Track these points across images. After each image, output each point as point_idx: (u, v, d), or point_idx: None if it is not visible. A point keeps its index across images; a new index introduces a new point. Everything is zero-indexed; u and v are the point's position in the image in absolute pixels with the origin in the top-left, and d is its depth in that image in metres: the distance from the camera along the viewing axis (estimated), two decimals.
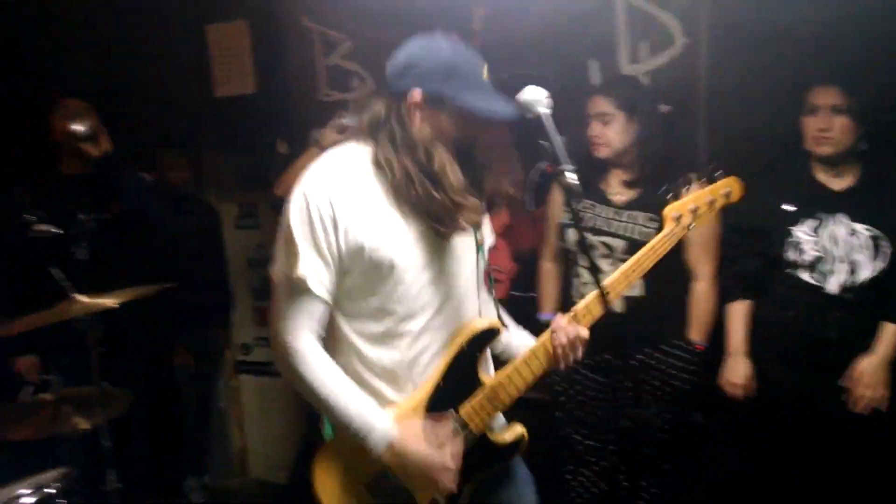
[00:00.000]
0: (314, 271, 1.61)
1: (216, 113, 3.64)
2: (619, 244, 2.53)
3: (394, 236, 1.65)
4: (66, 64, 3.71)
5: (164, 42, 3.60)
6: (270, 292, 1.66)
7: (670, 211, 1.84)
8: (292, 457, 3.87)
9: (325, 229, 1.60)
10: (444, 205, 1.63)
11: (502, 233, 3.17)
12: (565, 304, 2.60)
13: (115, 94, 3.50)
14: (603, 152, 2.54)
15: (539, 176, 3.03)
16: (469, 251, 1.79)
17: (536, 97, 1.63)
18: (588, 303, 1.76)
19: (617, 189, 2.59)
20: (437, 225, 1.66)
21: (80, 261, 2.85)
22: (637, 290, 2.51)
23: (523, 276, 3.06)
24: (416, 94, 1.63)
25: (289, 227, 1.61)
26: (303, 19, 3.38)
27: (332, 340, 1.71)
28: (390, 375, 1.71)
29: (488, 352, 1.82)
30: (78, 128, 2.88)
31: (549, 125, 1.63)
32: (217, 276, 3.79)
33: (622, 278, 1.79)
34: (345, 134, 2.57)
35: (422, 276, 1.69)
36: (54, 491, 1.96)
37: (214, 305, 3.81)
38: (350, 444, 1.67)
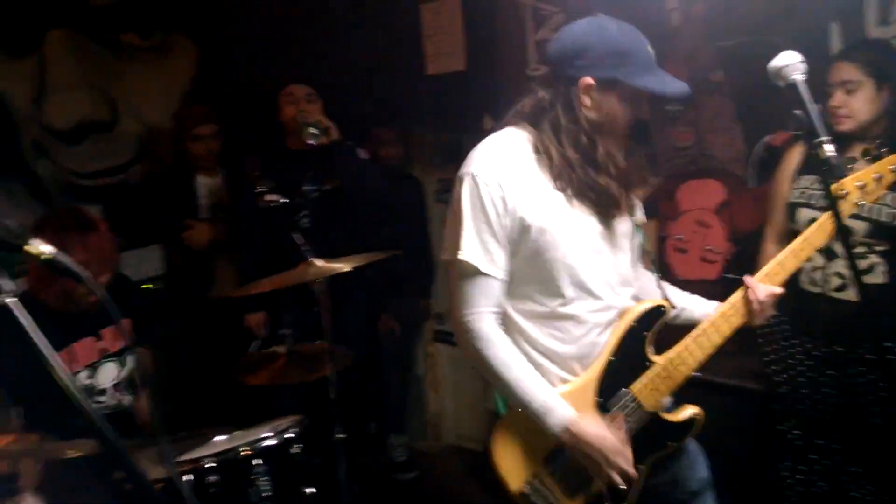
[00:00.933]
0: (487, 252, 1.63)
1: (427, 90, 3.76)
2: (861, 226, 2.31)
3: (558, 219, 1.66)
4: (292, 47, 4.00)
5: (381, 22, 3.77)
6: (449, 273, 1.69)
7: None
8: (483, 425, 3.98)
9: (496, 210, 1.62)
10: (606, 190, 1.65)
11: (716, 211, 3.02)
12: (790, 291, 2.42)
13: (335, 73, 3.74)
14: (846, 125, 2.31)
15: (764, 150, 2.83)
16: (628, 232, 1.79)
17: (790, 62, 1.55)
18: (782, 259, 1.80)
19: (861, 166, 2.36)
20: (600, 209, 1.68)
21: (304, 228, 3.07)
22: (879, 277, 2.29)
23: (742, 258, 2.89)
24: (588, 81, 1.62)
25: (460, 209, 1.65)
26: None
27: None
28: (556, 356, 1.73)
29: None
30: (305, 121, 3.09)
31: (805, 92, 1.53)
32: (422, 248, 3.95)
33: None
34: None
35: (586, 257, 1.70)
36: (293, 436, 2.14)
37: (419, 275, 3.98)
38: (526, 419, 1.69)
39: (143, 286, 3.51)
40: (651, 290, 1.87)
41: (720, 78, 2.91)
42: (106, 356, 2.40)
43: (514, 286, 1.70)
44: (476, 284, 1.65)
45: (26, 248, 0.76)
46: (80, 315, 2.26)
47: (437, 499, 3.65)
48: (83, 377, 2.36)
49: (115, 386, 2.42)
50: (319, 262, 2.33)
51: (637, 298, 1.82)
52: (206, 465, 1.98)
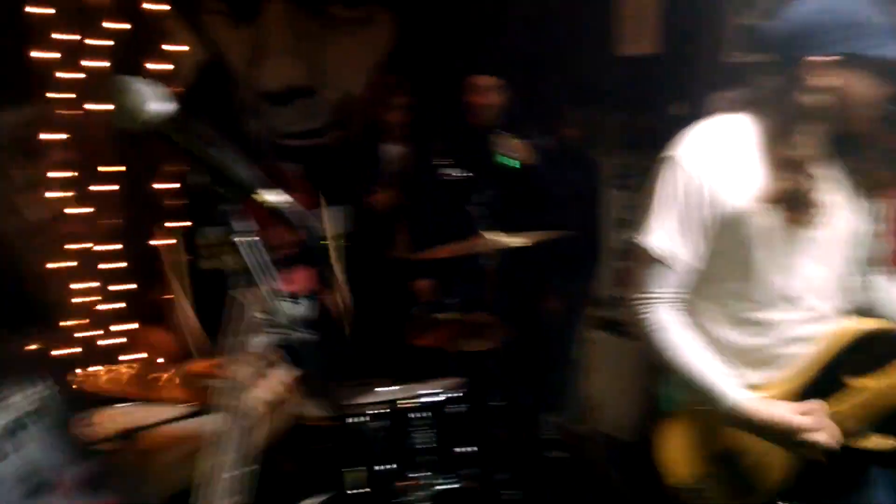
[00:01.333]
0: (672, 239, 1.58)
1: (618, 72, 3.70)
2: None
3: (758, 218, 1.56)
4: (486, 25, 4.07)
5: (573, 3, 3.75)
6: (632, 256, 1.66)
7: None
8: (634, 416, 3.92)
9: (692, 198, 1.55)
10: (796, 192, 1.53)
11: None
12: None
13: (527, 53, 3.77)
14: None
15: None
16: (841, 239, 1.63)
17: None
18: None
19: None
20: (790, 210, 1.54)
21: (481, 203, 3.16)
22: None
23: None
24: (816, 60, 1.49)
25: (655, 193, 1.60)
26: None
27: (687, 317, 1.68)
28: (743, 360, 1.64)
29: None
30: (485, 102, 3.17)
31: None
32: (592, 232, 3.92)
33: None
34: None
35: (783, 263, 1.59)
36: (452, 395, 2.25)
37: (584, 258, 3.96)
38: (698, 417, 1.66)
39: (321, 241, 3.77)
40: (887, 301, 1.75)
41: None
42: (285, 295, 2.63)
43: (708, 285, 1.64)
44: (655, 270, 1.61)
45: (257, 195, 0.88)
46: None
47: (584, 482, 3.65)
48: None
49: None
50: (491, 236, 2.40)
51: (868, 310, 1.70)
52: (373, 412, 2.14)
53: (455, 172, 3.29)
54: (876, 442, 1.65)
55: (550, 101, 3.86)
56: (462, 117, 3.39)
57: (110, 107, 0.83)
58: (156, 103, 0.84)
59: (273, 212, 0.89)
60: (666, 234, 1.59)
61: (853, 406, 1.61)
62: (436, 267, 3.21)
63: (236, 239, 0.86)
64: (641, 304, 1.64)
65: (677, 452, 1.71)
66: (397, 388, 2.46)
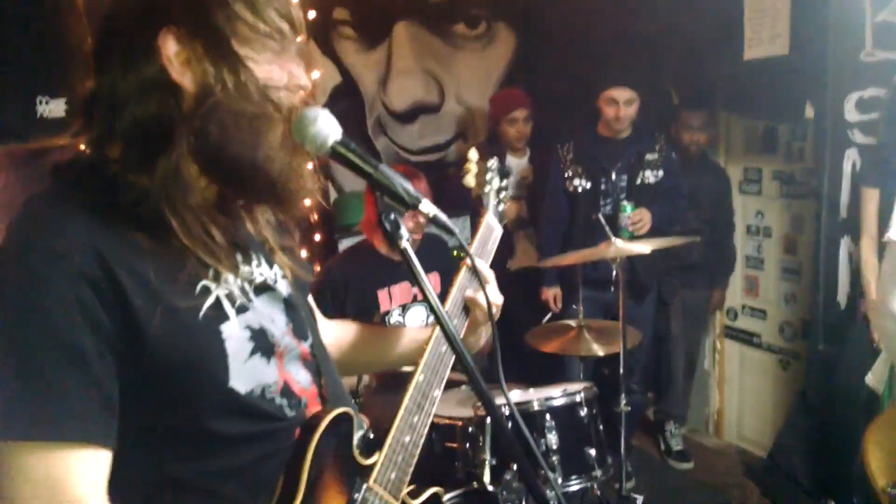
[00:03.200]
0: None
1: (744, 75, 3.63)
2: None
3: None
4: (605, 35, 4.10)
5: (701, 4, 3.71)
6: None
7: None
8: (767, 430, 3.79)
9: None
10: None
11: None
12: None
13: (649, 55, 3.77)
14: None
15: None
16: None
17: None
18: None
19: None
20: None
21: (607, 215, 3.20)
22: None
23: None
24: None
25: None
26: None
27: None
28: None
29: None
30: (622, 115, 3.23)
31: None
32: (723, 237, 3.86)
33: None
34: None
35: None
36: (580, 400, 2.30)
37: (714, 266, 3.90)
38: None
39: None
40: None
41: None
42: (417, 300, 2.78)
43: None
44: None
45: (420, 207, 1.00)
46: (400, 262, 2.66)
47: (711, 495, 3.58)
48: (395, 315, 2.77)
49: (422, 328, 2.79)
50: (619, 242, 2.45)
51: None
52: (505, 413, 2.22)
53: (582, 183, 3.33)
54: None
55: (675, 107, 3.84)
56: (591, 126, 3.42)
57: (299, 134, 0.98)
58: (336, 130, 0.98)
59: (433, 220, 1.01)
60: None
61: None
62: (563, 274, 3.27)
63: (403, 244, 0.98)
64: (889, 303, 1.62)
65: (885, 451, 1.67)
66: (526, 391, 2.54)
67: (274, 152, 0.99)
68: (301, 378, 1.11)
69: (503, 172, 1.52)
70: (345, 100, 4.03)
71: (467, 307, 1.32)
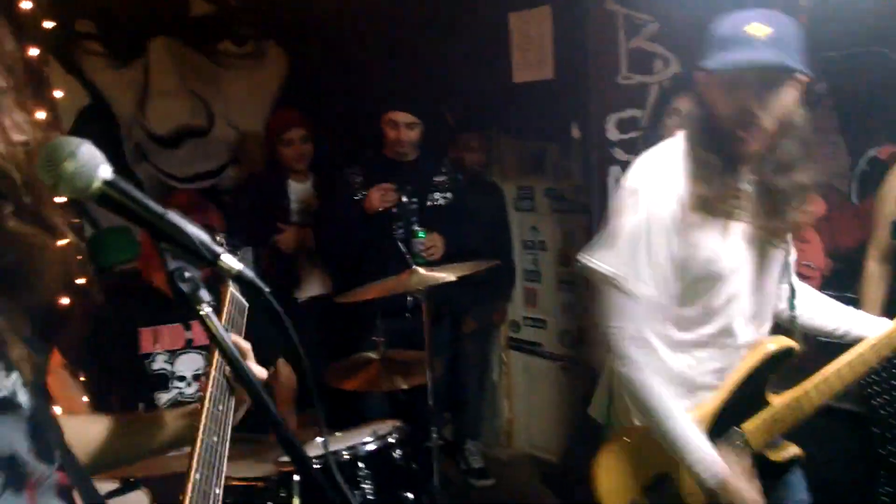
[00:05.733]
0: (641, 271, 1.57)
1: (513, 98, 3.78)
2: None
3: (713, 241, 1.59)
4: (378, 54, 4.06)
5: (469, 30, 3.81)
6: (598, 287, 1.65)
7: None
8: (556, 436, 3.97)
9: (653, 230, 1.56)
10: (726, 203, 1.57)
11: (815, 225, 2.93)
12: (890, 310, 2.34)
13: (422, 79, 3.78)
14: None
15: (868, 164, 2.74)
16: (772, 262, 1.70)
17: None
18: None
19: None
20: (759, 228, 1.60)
21: (400, 238, 3.11)
22: None
23: (840, 275, 2.81)
24: (699, 75, 1.56)
25: (616, 223, 1.60)
26: (608, 2, 3.38)
27: None
28: (686, 384, 1.68)
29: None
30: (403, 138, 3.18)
31: None
32: (504, 253, 3.97)
33: None
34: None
35: (740, 285, 1.64)
36: (393, 441, 2.17)
37: (498, 281, 3.99)
38: (637, 444, 1.69)
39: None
40: (820, 307, 1.84)
41: (823, 90, 2.84)
42: (192, 346, 2.48)
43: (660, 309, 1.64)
44: (620, 301, 1.59)
45: (220, 262, 0.81)
46: (178, 301, 2.35)
47: None
48: (160, 360, 2.45)
49: (196, 377, 2.49)
50: (423, 271, 2.37)
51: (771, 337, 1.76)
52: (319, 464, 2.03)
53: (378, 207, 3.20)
54: (785, 453, 1.76)
55: (452, 130, 3.89)
56: (376, 148, 3.32)
57: (50, 174, 0.74)
58: (104, 167, 0.76)
59: (236, 277, 0.82)
60: (636, 266, 1.58)
61: (764, 422, 1.70)
62: (358, 305, 3.12)
63: (204, 310, 0.79)
64: (608, 331, 1.62)
65: (613, 476, 1.73)
66: (336, 435, 2.35)
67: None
68: None
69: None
70: (95, 123, 3.56)
71: (230, 385, 1.10)
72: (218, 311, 0.90)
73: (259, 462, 2.26)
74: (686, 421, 1.61)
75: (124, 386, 2.47)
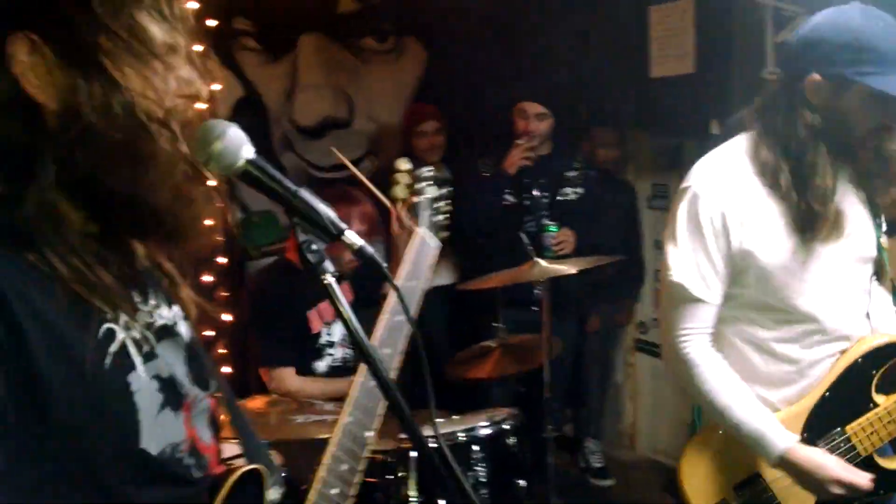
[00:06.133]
0: (700, 276, 1.56)
1: (650, 92, 3.69)
2: None
3: (775, 240, 1.55)
4: (517, 49, 4.09)
5: (608, 24, 3.76)
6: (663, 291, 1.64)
7: None
8: (681, 442, 3.84)
9: (714, 231, 1.54)
10: (803, 210, 1.51)
11: None
12: None
13: (559, 72, 3.78)
14: None
15: None
16: (853, 256, 1.62)
17: None
18: None
19: None
20: (802, 230, 1.53)
21: (529, 232, 3.13)
22: None
23: None
24: (815, 78, 1.47)
25: (675, 226, 1.58)
26: None
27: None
28: (773, 384, 1.63)
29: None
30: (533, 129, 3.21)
31: None
32: (633, 252, 3.90)
33: None
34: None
35: (803, 283, 1.57)
36: (507, 428, 2.21)
37: (625, 280, 3.93)
38: (722, 441, 1.63)
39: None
40: (887, 318, 1.71)
41: None
42: None
43: (733, 310, 1.63)
44: (686, 308, 1.59)
45: (344, 237, 0.87)
46: (305, 270, 2.49)
47: None
48: (324, 332, 2.66)
49: (342, 341, 2.67)
50: (544, 263, 2.39)
51: (874, 332, 1.67)
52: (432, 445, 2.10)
53: (510, 198, 3.25)
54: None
55: (585, 125, 3.86)
56: (507, 143, 3.35)
57: (203, 152, 0.83)
58: (248, 147, 0.85)
59: (358, 253, 0.89)
60: (691, 271, 1.57)
61: (872, 424, 1.60)
62: (482, 293, 3.17)
63: (328, 280, 0.86)
64: (673, 342, 1.62)
65: (700, 476, 1.67)
66: (448, 419, 2.42)
67: (159, 181, 0.85)
68: (205, 435, 0.98)
69: (441, 181, 1.40)
70: (248, 114, 3.83)
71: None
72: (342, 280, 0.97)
73: (382, 437, 2.37)
74: (743, 396, 1.57)
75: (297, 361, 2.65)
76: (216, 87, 3.34)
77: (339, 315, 0.85)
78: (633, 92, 3.77)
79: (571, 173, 3.32)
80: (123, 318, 0.86)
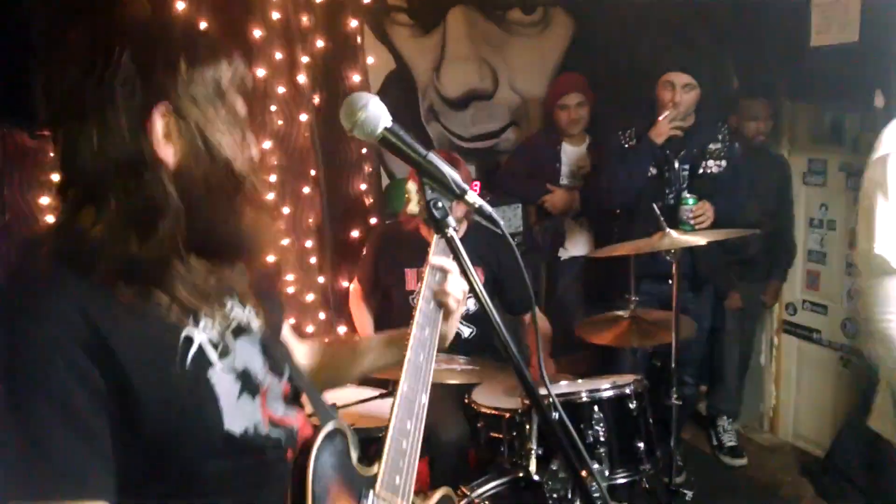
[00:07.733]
0: None
1: (809, 62, 3.51)
2: None
3: None
4: (664, 21, 3.99)
5: None
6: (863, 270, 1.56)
7: None
8: (825, 429, 3.68)
9: None
10: None
11: None
12: None
13: (708, 43, 3.67)
14: None
15: None
16: None
17: None
18: None
19: None
20: None
21: (668, 205, 3.12)
22: None
23: None
24: None
25: (875, 195, 1.50)
26: None
27: None
28: None
29: None
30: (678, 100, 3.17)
31: None
32: (783, 230, 3.74)
33: None
34: None
35: None
36: (629, 392, 2.27)
37: (773, 259, 3.80)
38: None
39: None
40: None
41: None
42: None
43: None
44: (891, 283, 1.51)
45: (466, 197, 1.00)
46: (431, 224, 2.65)
47: (763, 492, 3.50)
48: (416, 293, 2.77)
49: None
50: (674, 233, 2.40)
51: None
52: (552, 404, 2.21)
53: (651, 170, 3.24)
54: None
55: (735, 95, 3.74)
56: (650, 115, 3.32)
57: (349, 120, 0.99)
58: (386, 116, 0.99)
59: (478, 210, 1.01)
60: (888, 241, 1.49)
61: None
62: (617, 264, 3.20)
63: (450, 233, 0.99)
64: (877, 322, 1.54)
65: None
66: (574, 382, 2.52)
67: (239, 217, 1.03)
68: (283, 412, 1.16)
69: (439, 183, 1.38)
70: (398, 86, 4.03)
71: (440, 301, 1.29)
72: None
73: (510, 396, 2.51)
74: None
75: (399, 317, 2.85)
76: (370, 60, 3.59)
77: (457, 262, 0.97)
78: (791, 62, 3.59)
79: (715, 146, 3.24)
80: (202, 323, 1.04)
